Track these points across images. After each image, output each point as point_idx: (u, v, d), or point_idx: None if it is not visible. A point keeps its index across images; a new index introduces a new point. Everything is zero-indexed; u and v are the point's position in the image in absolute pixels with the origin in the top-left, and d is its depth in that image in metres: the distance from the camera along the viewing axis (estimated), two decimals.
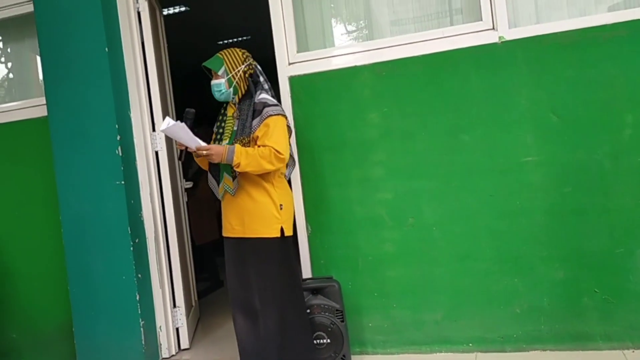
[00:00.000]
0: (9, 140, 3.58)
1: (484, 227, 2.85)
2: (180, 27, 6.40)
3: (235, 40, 7.46)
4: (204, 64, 2.67)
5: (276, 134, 2.56)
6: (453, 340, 2.91)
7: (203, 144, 2.56)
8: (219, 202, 2.81)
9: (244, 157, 2.51)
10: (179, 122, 2.49)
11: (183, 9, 6.07)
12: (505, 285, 2.84)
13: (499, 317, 2.85)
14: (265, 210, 2.61)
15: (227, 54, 2.67)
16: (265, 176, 2.62)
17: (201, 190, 4.92)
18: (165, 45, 3.96)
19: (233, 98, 2.68)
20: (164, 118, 3.43)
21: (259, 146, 2.55)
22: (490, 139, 2.83)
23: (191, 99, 6.93)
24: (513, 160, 2.81)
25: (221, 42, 7.53)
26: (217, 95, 2.68)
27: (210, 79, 2.69)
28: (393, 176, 2.95)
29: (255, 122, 2.58)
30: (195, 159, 2.76)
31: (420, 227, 2.93)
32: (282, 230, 2.62)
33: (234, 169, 2.55)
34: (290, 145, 2.84)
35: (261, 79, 2.73)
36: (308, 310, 2.81)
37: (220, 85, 2.65)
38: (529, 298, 2.82)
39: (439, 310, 2.92)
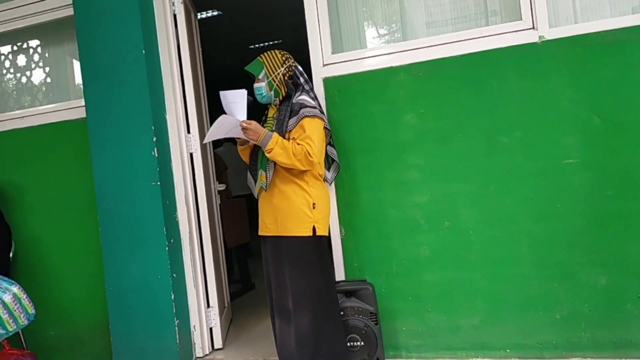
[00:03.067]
0: (47, 142, 3.65)
1: (523, 231, 2.79)
2: (213, 31, 6.48)
3: (266, 44, 7.50)
4: (245, 67, 2.71)
5: (311, 137, 2.58)
6: (490, 346, 2.86)
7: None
8: (250, 204, 2.84)
9: (278, 146, 2.54)
10: (239, 90, 2.55)
11: (215, 13, 6.14)
12: (545, 290, 2.78)
13: (538, 323, 2.79)
14: (298, 209, 2.63)
15: (266, 57, 2.70)
16: (300, 175, 2.64)
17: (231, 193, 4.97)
18: (200, 48, 4.00)
19: (275, 100, 2.70)
20: (198, 120, 3.48)
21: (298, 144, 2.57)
22: (530, 141, 2.78)
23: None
24: (553, 162, 2.75)
25: (252, 47, 7.58)
26: (259, 99, 2.73)
27: (254, 82, 2.73)
28: (429, 179, 2.91)
29: (291, 121, 2.61)
30: (238, 146, 2.82)
31: (456, 230, 2.88)
32: (314, 229, 2.62)
33: (265, 153, 2.57)
34: (334, 147, 2.86)
35: (301, 79, 2.75)
36: (342, 313, 2.80)
37: (261, 89, 2.69)
38: (569, 304, 2.75)
39: (476, 315, 2.87)
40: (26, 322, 1.91)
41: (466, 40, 2.88)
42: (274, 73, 2.68)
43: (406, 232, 2.96)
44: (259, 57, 2.72)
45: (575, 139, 2.72)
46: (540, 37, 2.76)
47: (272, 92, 2.69)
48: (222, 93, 2.61)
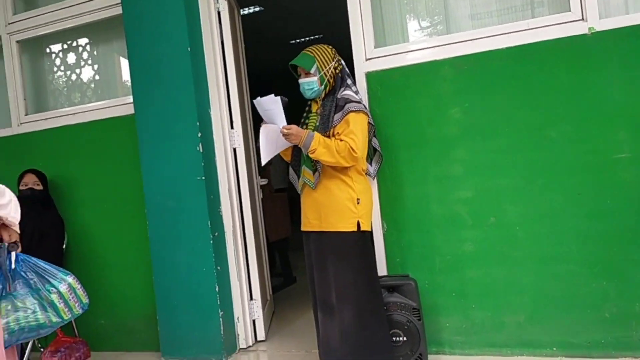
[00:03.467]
0: (97, 138, 3.76)
1: (571, 227, 2.73)
2: (255, 27, 6.53)
3: (307, 39, 7.52)
4: (293, 62, 2.70)
5: (355, 132, 2.57)
6: (536, 344, 2.81)
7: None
8: (291, 199, 2.86)
9: (321, 146, 2.55)
10: (272, 97, 2.57)
11: (257, 9, 6.19)
12: (594, 288, 2.71)
13: (586, 321, 2.73)
14: (342, 204, 2.63)
15: (318, 51, 2.69)
16: (343, 170, 2.64)
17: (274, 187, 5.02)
18: (243, 44, 4.04)
19: (320, 95, 2.71)
20: (241, 116, 3.53)
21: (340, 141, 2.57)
22: (579, 135, 2.71)
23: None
24: (604, 157, 2.67)
25: (293, 42, 7.61)
26: (308, 94, 2.72)
27: (296, 77, 2.73)
28: (474, 174, 2.87)
29: (336, 116, 2.61)
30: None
31: (502, 226, 2.84)
32: (358, 224, 2.62)
33: (309, 154, 2.59)
34: (377, 141, 2.86)
35: (344, 73, 2.74)
36: (385, 307, 2.79)
37: (312, 84, 2.68)
38: (619, 302, 2.68)
39: (522, 313, 2.83)
40: (80, 311, 1.98)
41: (512, 33, 2.82)
42: (325, 67, 2.67)
43: (450, 228, 2.93)
44: (308, 52, 2.70)
45: (627, 133, 2.64)
46: (590, 28, 2.69)
47: (322, 87, 2.68)
48: (256, 101, 2.63)
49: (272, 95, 2.59)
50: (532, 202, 2.79)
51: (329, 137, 2.61)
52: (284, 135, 2.59)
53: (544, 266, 2.78)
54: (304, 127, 2.80)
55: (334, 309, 2.66)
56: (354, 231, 2.62)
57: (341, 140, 2.56)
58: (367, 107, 2.99)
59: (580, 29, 2.70)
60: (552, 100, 2.74)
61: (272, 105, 2.59)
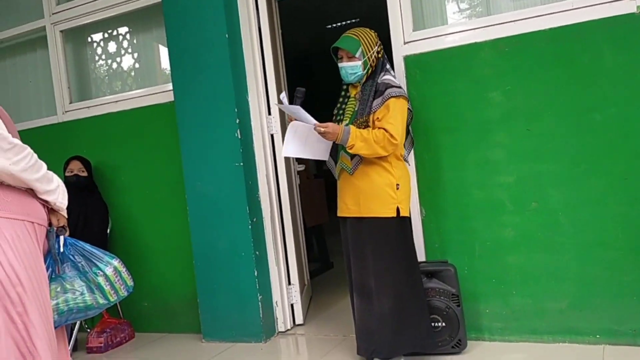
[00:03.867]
0: (139, 125, 3.84)
1: (616, 213, 2.65)
2: (291, 12, 6.50)
3: (343, 23, 7.46)
4: (337, 44, 2.66)
5: (394, 117, 2.54)
6: (579, 331, 2.75)
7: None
8: (329, 185, 2.86)
9: (358, 140, 2.52)
10: (292, 105, 2.55)
11: None
12: (639, 275, 2.63)
13: (632, 308, 2.65)
14: (381, 190, 2.61)
15: (362, 34, 2.65)
16: (383, 157, 2.61)
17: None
18: (280, 29, 4.04)
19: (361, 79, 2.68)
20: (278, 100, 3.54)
21: (378, 128, 2.55)
22: (626, 118, 2.62)
23: (301, 84, 7.06)
24: None
25: (329, 26, 7.57)
26: (349, 78, 2.68)
27: (336, 60, 2.70)
28: (515, 158, 2.82)
29: (376, 102, 2.58)
30: None
31: (544, 212, 2.78)
32: (398, 210, 2.61)
33: (347, 149, 2.58)
34: (408, 127, 2.82)
35: (384, 58, 2.71)
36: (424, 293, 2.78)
37: (355, 68, 2.64)
38: None
39: (564, 299, 2.77)
40: (125, 293, 2.04)
41: (555, 13, 2.73)
42: (370, 51, 2.63)
43: (490, 213, 2.89)
44: (353, 35, 2.65)
45: None
46: (638, 7, 2.58)
47: (365, 71, 2.64)
48: (279, 106, 2.61)
49: (286, 102, 2.57)
50: (575, 187, 2.72)
51: (367, 122, 2.59)
52: (320, 133, 2.54)
53: (587, 252, 2.72)
54: (341, 111, 2.78)
55: (372, 294, 2.66)
56: (393, 217, 2.61)
57: (379, 128, 2.54)
58: (406, 91, 2.96)
59: (628, 7, 2.60)
60: (598, 82, 2.66)
61: (294, 110, 2.55)
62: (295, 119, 2.62)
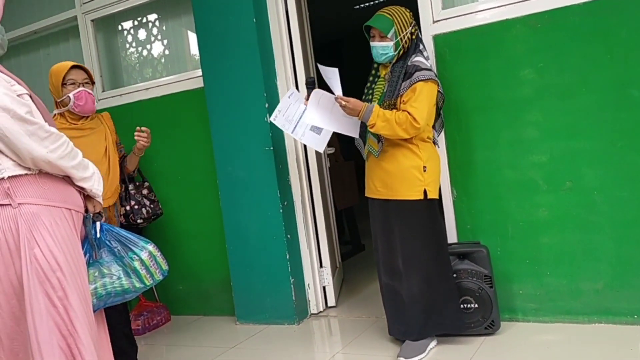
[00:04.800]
0: (170, 111, 3.88)
1: None
2: None
3: (372, 3, 7.37)
4: (370, 23, 2.61)
5: (419, 101, 2.50)
6: (615, 311, 2.71)
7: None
8: (359, 167, 2.85)
9: (380, 119, 2.49)
10: (330, 68, 2.53)
11: None
12: None
13: None
14: (408, 172, 2.60)
15: (396, 14, 2.59)
16: (409, 139, 2.58)
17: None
18: (307, 13, 4.02)
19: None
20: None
21: (402, 110, 2.52)
22: None
23: (331, 65, 7.02)
24: None
25: (357, 7, 7.48)
26: (380, 58, 2.65)
27: (368, 38, 2.66)
28: (549, 137, 2.76)
29: (404, 84, 2.55)
30: None
31: (579, 191, 2.72)
32: (425, 192, 2.59)
33: (368, 128, 2.56)
34: (440, 110, 2.78)
35: (418, 38, 2.66)
36: (455, 275, 2.77)
37: (387, 48, 2.60)
38: None
39: (600, 280, 2.72)
40: (161, 277, 2.09)
41: None
42: (403, 32, 2.58)
43: (523, 194, 2.84)
44: (385, 14, 2.59)
45: None
46: None
47: (397, 52, 2.60)
48: (320, 67, 2.58)
49: (332, 68, 2.53)
50: (612, 165, 2.65)
51: (395, 104, 2.56)
52: (341, 106, 2.52)
53: (624, 232, 2.65)
54: (370, 91, 2.76)
55: (401, 275, 2.66)
56: (420, 199, 2.60)
57: (403, 111, 2.50)
58: (434, 71, 2.91)
59: None
60: (635, 57, 2.57)
61: (330, 75, 2.54)
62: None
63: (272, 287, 3.44)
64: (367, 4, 7.41)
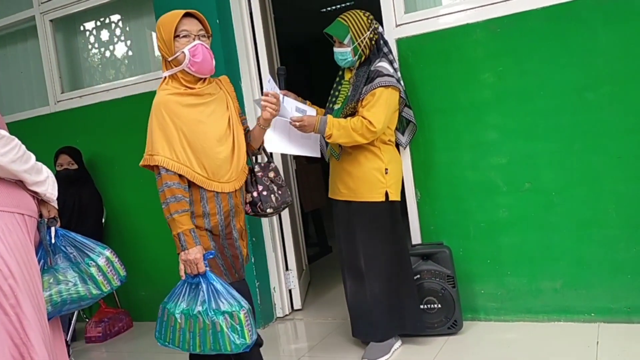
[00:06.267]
0: (132, 113, 3.81)
1: (611, 191, 2.65)
2: None
3: (338, 7, 7.38)
4: (327, 30, 2.62)
5: (377, 106, 2.50)
6: (574, 310, 2.77)
7: (299, 107, 2.54)
8: (326, 169, 2.84)
9: (335, 129, 2.50)
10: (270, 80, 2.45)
11: None
12: (634, 253, 2.63)
13: (626, 286, 2.66)
14: (370, 174, 2.61)
15: (352, 20, 2.58)
16: (372, 141, 2.59)
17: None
18: (272, 15, 4.00)
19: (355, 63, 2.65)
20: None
21: (358, 116, 2.52)
22: (620, 96, 2.60)
23: (297, 69, 7.00)
24: None
25: (324, 10, 7.49)
26: (342, 63, 2.67)
27: (332, 43, 2.66)
28: (508, 139, 2.81)
29: (366, 89, 2.56)
30: None
31: (537, 192, 2.78)
32: (386, 194, 2.61)
33: (326, 139, 2.55)
34: (410, 111, 2.79)
35: (381, 42, 2.66)
36: (418, 276, 2.80)
37: (345, 54, 2.61)
38: None
39: (559, 279, 2.78)
40: (119, 283, 2.05)
41: None
42: (360, 38, 2.56)
43: (484, 195, 2.89)
44: (342, 20, 2.59)
45: None
46: None
47: (356, 57, 2.60)
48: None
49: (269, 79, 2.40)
50: (569, 166, 2.71)
51: (356, 108, 2.56)
52: (297, 127, 2.48)
53: (582, 231, 2.72)
54: (336, 92, 2.76)
55: (364, 276, 2.67)
56: (382, 201, 2.61)
57: (359, 116, 2.50)
58: (400, 74, 2.91)
59: None
60: (592, 61, 2.64)
61: (283, 120, 2.46)
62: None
63: None
64: (333, 7, 7.42)
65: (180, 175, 2.01)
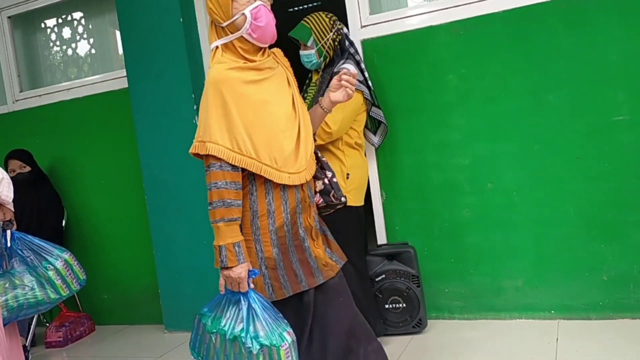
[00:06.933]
0: (94, 112, 3.75)
1: (570, 191, 2.71)
2: None
3: (305, 7, 7.38)
4: (290, 34, 2.61)
5: (335, 108, 2.45)
6: (534, 307, 2.83)
7: None
8: None
9: None
10: None
11: None
12: (592, 251, 2.71)
13: (584, 284, 2.73)
14: None
15: (314, 22, 2.57)
16: (335, 143, 2.56)
17: None
18: None
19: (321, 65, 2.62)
20: None
21: None
22: (578, 98, 2.67)
23: None
24: (602, 120, 2.63)
25: (291, 10, 7.47)
26: (308, 65, 2.64)
27: (298, 46, 2.64)
28: (471, 140, 2.85)
29: (327, 90, 2.52)
30: None
31: (499, 192, 2.83)
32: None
33: None
34: (380, 112, 2.78)
35: (346, 43, 2.64)
36: (383, 276, 2.81)
37: (310, 57, 2.59)
38: (617, 265, 2.68)
39: (520, 277, 2.84)
40: (78, 287, 2.00)
41: None
42: (323, 39, 2.55)
43: (448, 195, 2.92)
44: (305, 22, 2.59)
45: (626, 95, 2.60)
46: None
47: (322, 58, 2.58)
48: None
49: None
50: (529, 167, 2.77)
51: None
52: None
53: (542, 230, 2.78)
54: (305, 94, 2.75)
55: None
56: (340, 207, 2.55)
57: None
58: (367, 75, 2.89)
59: None
60: (551, 63, 2.70)
61: None
62: None
63: (202, 293, 3.34)
64: (300, 7, 7.41)
65: (235, 171, 1.67)
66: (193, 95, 3.27)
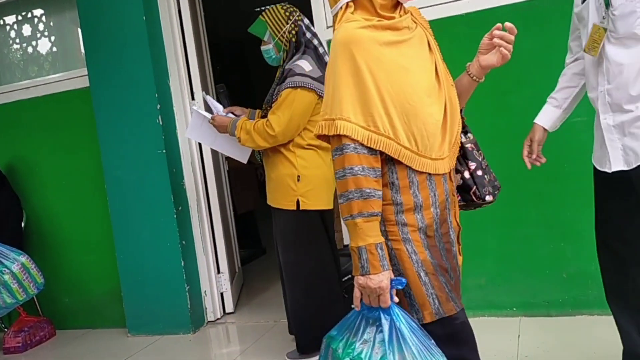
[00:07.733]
0: (54, 111, 3.66)
1: (530, 191, 2.77)
2: None
3: (273, 4, 7.36)
4: (249, 29, 2.53)
5: (282, 109, 2.36)
6: (497, 305, 2.88)
7: (222, 114, 2.56)
8: (259, 171, 2.80)
9: (243, 132, 2.41)
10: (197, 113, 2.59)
11: None
12: (552, 250, 2.77)
13: (545, 282, 2.80)
14: (283, 181, 2.47)
15: (268, 15, 2.46)
16: (287, 145, 2.46)
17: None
18: (202, 12, 3.93)
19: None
20: (202, 87, 3.44)
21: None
22: (538, 100, 2.69)
23: (233, 69, 6.93)
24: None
25: (258, 9, 7.45)
26: (269, 61, 2.56)
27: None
28: None
29: (278, 89, 2.44)
30: None
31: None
32: (298, 203, 2.45)
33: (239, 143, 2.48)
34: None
35: (308, 35, 2.49)
36: (349, 276, 2.81)
37: (269, 52, 2.51)
38: (576, 263, 2.75)
39: (483, 275, 2.88)
40: (36, 291, 1.96)
41: None
42: (279, 32, 2.43)
43: None
44: (261, 17, 2.48)
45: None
46: None
47: (282, 53, 2.47)
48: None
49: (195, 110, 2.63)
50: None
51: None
52: (214, 127, 2.50)
53: (503, 230, 2.83)
54: (271, 91, 2.71)
55: (285, 284, 2.65)
56: (293, 210, 2.46)
57: (265, 119, 2.39)
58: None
59: None
60: (513, 65, 2.71)
61: (203, 114, 2.57)
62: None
63: (166, 296, 3.32)
64: (268, 6, 7.39)
65: (373, 155, 1.34)
66: (156, 95, 3.22)
